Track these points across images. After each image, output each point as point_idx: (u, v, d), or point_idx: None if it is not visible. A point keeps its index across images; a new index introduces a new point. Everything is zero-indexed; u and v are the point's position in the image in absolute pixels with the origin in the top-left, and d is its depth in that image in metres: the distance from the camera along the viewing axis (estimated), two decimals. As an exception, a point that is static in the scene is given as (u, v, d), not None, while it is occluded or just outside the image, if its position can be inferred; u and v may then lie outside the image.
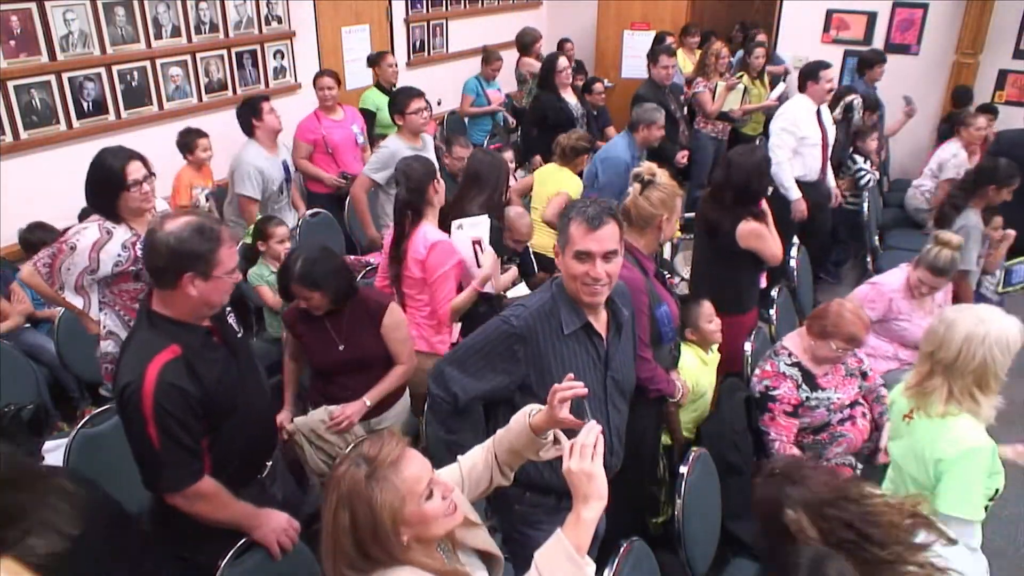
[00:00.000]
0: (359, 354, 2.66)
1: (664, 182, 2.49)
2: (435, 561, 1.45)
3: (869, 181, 5.25)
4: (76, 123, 4.10)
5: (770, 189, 4.45)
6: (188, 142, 4.18)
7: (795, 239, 4.17)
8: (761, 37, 6.55)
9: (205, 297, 1.88)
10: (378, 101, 5.26)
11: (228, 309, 2.11)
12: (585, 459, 1.40)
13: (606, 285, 1.94)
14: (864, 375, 2.92)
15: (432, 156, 4.03)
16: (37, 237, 3.67)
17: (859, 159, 5.23)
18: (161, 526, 2.07)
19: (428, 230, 2.97)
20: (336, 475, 1.39)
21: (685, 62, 6.65)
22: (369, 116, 5.23)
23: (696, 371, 2.92)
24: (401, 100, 4.01)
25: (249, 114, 4.04)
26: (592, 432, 1.43)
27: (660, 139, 4.37)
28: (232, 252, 1.90)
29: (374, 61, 5.38)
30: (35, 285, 2.81)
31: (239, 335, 2.12)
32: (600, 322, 2.04)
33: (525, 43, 6.48)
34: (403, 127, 4.02)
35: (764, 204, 3.44)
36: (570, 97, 5.28)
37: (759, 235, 3.21)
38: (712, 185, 3.40)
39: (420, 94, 4.04)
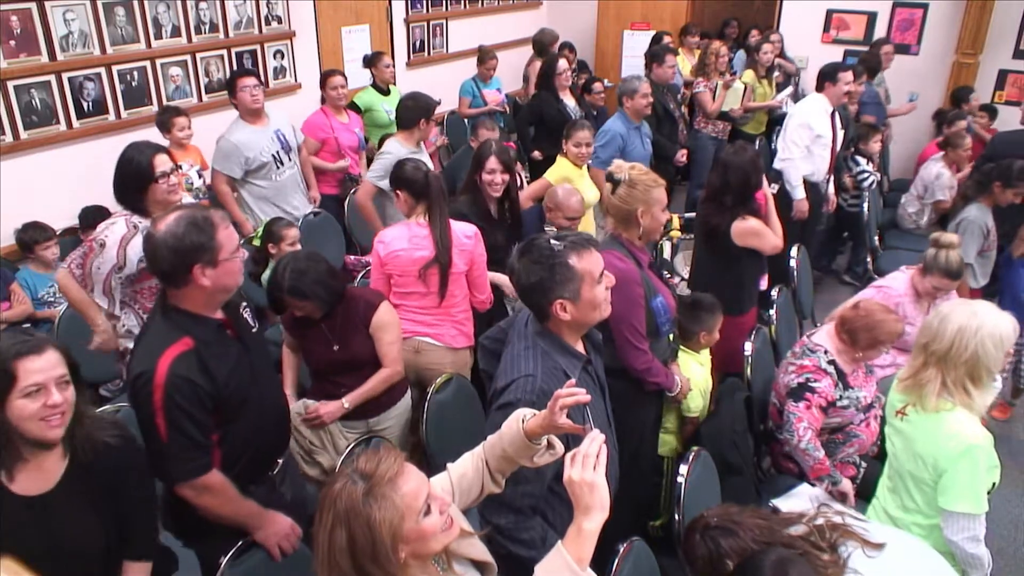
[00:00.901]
0: (351, 354, 2.66)
1: (634, 178, 2.50)
2: (435, 572, 1.44)
3: (872, 182, 5.25)
4: (76, 123, 4.10)
5: (775, 187, 4.48)
6: (164, 120, 4.16)
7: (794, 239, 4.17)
8: (775, 37, 6.50)
9: (219, 283, 1.89)
10: (372, 101, 5.28)
11: (244, 304, 2.11)
12: (587, 469, 1.37)
13: None
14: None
15: (428, 159, 4.06)
16: (30, 237, 3.66)
17: (861, 161, 5.21)
18: (168, 516, 2.10)
19: (456, 223, 2.99)
20: (331, 492, 1.34)
21: (684, 62, 6.65)
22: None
23: (701, 378, 2.91)
24: (432, 107, 3.95)
25: (228, 93, 4.11)
26: (595, 442, 1.40)
27: (648, 103, 4.42)
28: (229, 232, 1.91)
29: (370, 62, 5.38)
30: (68, 289, 2.79)
31: (255, 329, 2.12)
32: (581, 347, 1.99)
33: (544, 43, 6.49)
34: (420, 132, 3.92)
35: (768, 192, 3.45)
36: (569, 99, 5.28)
37: (755, 232, 3.21)
38: (708, 188, 3.39)
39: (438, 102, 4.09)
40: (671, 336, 2.70)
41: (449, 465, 1.68)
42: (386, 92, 5.32)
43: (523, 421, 1.58)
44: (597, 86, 5.92)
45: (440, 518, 1.39)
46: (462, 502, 1.64)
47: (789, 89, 6.12)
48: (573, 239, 1.87)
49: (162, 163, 2.65)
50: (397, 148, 3.85)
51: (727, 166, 3.24)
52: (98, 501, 1.74)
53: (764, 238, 3.24)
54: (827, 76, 4.51)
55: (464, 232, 2.95)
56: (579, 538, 1.35)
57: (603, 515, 1.37)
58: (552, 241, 1.85)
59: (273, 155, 4.11)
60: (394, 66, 5.40)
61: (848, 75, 4.50)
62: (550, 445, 1.60)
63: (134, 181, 2.63)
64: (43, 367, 1.59)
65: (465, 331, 3.06)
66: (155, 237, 1.85)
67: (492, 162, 3.27)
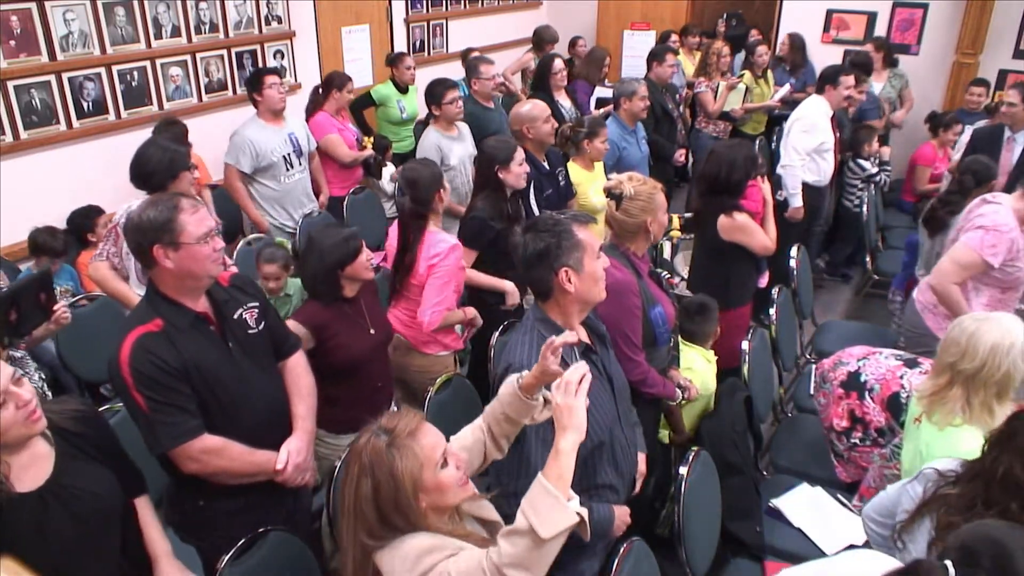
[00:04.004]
0: (385, 332, 2.69)
1: (637, 190, 2.48)
2: (450, 524, 1.54)
3: (883, 180, 5.24)
4: (76, 123, 4.09)
5: (781, 194, 4.47)
6: (178, 134, 4.10)
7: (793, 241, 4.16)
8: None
9: (184, 268, 1.89)
10: (389, 95, 5.30)
11: (253, 305, 2.10)
12: (569, 394, 1.49)
13: None
14: None
15: (470, 145, 4.15)
16: (43, 240, 3.64)
17: (865, 164, 5.18)
18: (173, 512, 2.12)
19: (440, 235, 2.93)
20: (357, 447, 1.47)
21: (685, 62, 6.65)
22: (362, 103, 5.26)
23: (704, 372, 2.94)
24: (439, 91, 4.15)
25: (250, 88, 4.15)
26: (578, 370, 1.53)
27: (646, 107, 4.41)
28: (197, 219, 1.90)
29: (392, 61, 5.41)
30: (104, 280, 2.90)
31: (254, 331, 2.09)
32: (584, 337, 2.01)
33: (543, 39, 6.53)
34: (439, 117, 4.17)
35: (766, 193, 3.45)
36: (564, 100, 5.26)
37: (740, 228, 3.21)
38: (699, 179, 3.48)
39: (455, 85, 4.24)
40: (668, 345, 2.70)
41: (451, 438, 1.72)
42: (404, 91, 5.36)
43: (519, 380, 1.68)
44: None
45: (456, 472, 1.50)
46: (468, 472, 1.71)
47: (787, 88, 6.10)
48: (574, 213, 1.98)
49: (191, 157, 2.97)
50: (435, 135, 4.09)
51: (712, 154, 3.30)
52: (99, 459, 1.79)
53: (752, 235, 3.23)
54: (828, 79, 4.50)
55: (445, 243, 2.88)
56: (556, 459, 1.45)
57: (579, 435, 1.48)
58: (555, 214, 1.95)
59: (284, 156, 4.15)
60: (414, 68, 5.43)
61: (850, 79, 4.49)
62: (547, 402, 1.67)
63: (168, 167, 2.85)
64: None
65: (437, 339, 3.00)
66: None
67: (520, 154, 3.23)
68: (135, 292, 2.78)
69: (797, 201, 4.52)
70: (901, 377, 2.64)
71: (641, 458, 2.26)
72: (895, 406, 2.60)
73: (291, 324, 2.48)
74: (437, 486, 1.46)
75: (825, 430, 2.80)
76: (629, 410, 2.21)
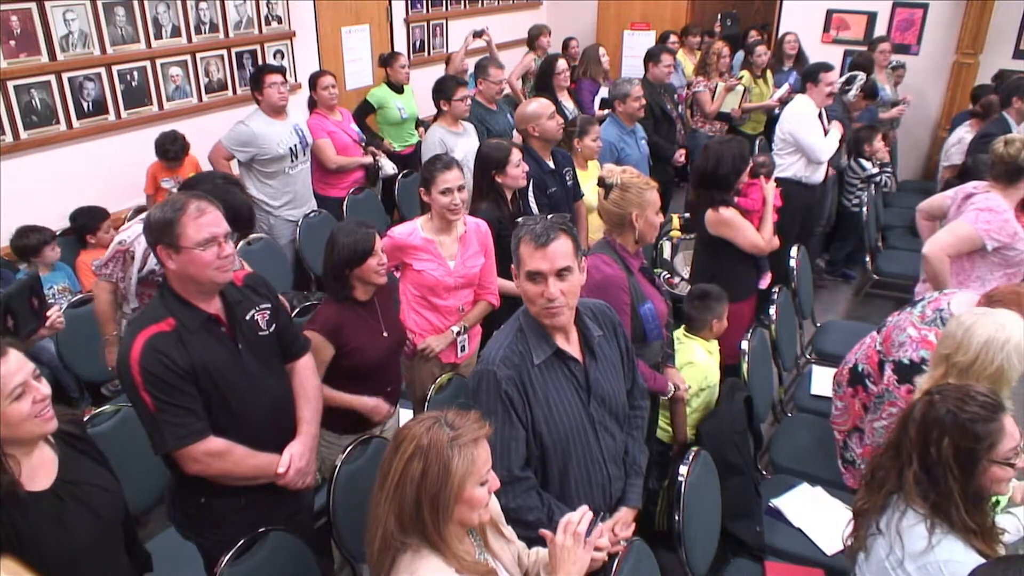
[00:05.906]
0: (398, 334, 2.68)
1: (627, 181, 2.49)
2: (464, 545, 1.54)
3: (884, 182, 5.21)
4: (76, 123, 4.10)
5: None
6: (178, 151, 4.22)
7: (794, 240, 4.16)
8: (791, 36, 6.45)
9: (185, 271, 1.89)
10: (385, 98, 5.27)
11: (266, 306, 2.10)
12: (578, 544, 1.56)
13: (564, 305, 1.83)
14: None
15: (475, 142, 4.14)
16: (36, 240, 3.62)
17: (866, 164, 5.16)
18: (175, 509, 2.12)
19: (405, 224, 2.94)
20: (416, 429, 1.46)
21: (685, 62, 6.65)
22: (363, 111, 5.24)
23: (706, 364, 2.94)
24: (449, 86, 4.26)
25: (252, 86, 4.13)
26: (597, 529, 1.62)
27: (641, 107, 4.42)
28: (199, 224, 1.87)
29: (386, 61, 5.38)
30: (100, 300, 2.87)
31: (265, 332, 2.08)
32: (573, 344, 1.94)
33: (532, 35, 6.56)
34: (447, 112, 4.27)
35: (767, 192, 3.45)
36: (567, 101, 5.26)
37: (726, 223, 3.24)
38: (693, 173, 3.52)
39: (465, 83, 4.31)
40: (663, 340, 2.69)
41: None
42: (400, 91, 5.34)
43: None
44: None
45: (486, 496, 1.51)
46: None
47: (785, 88, 6.09)
48: (541, 230, 1.83)
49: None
50: (439, 131, 4.16)
51: (706, 149, 3.34)
52: (102, 462, 1.80)
53: (738, 231, 3.25)
54: (808, 77, 4.46)
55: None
56: None
57: None
58: (536, 219, 1.89)
59: (290, 148, 4.16)
60: (409, 67, 5.41)
61: (830, 76, 4.44)
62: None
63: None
64: (16, 366, 1.53)
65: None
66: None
67: (516, 155, 3.23)
68: (122, 320, 2.81)
69: (835, 135, 4.46)
70: (874, 344, 2.68)
71: (626, 513, 2.08)
72: (882, 372, 2.60)
73: (308, 334, 2.43)
74: (471, 500, 1.47)
75: (840, 435, 2.79)
76: (614, 431, 2.06)
